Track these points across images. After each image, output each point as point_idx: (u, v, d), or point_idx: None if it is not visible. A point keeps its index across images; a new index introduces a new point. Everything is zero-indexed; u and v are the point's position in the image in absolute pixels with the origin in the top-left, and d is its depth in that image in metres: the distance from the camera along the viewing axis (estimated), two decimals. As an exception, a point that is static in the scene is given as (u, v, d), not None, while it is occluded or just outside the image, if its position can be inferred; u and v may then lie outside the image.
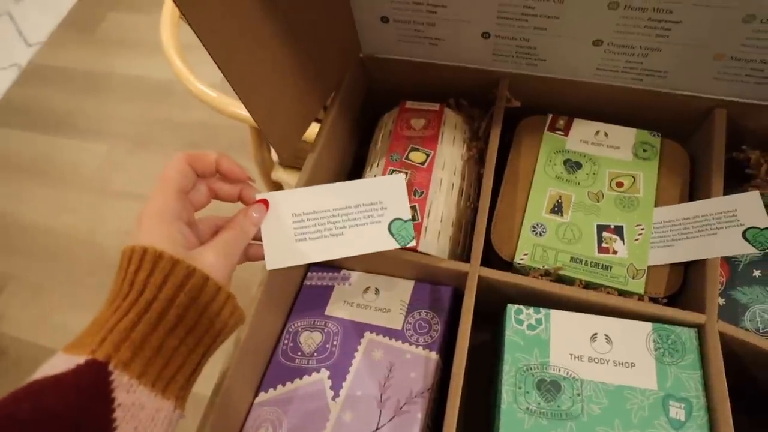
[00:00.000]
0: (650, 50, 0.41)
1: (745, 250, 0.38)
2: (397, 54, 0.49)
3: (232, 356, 0.37)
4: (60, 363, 0.23)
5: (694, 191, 0.44)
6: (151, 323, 0.25)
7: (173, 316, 0.25)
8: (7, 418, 0.20)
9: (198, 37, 0.32)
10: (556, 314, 0.38)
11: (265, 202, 0.35)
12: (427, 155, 0.46)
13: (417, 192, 0.44)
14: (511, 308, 0.38)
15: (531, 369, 0.36)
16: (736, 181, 0.44)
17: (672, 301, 0.41)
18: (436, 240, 0.42)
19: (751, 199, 0.39)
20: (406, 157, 0.46)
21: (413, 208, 0.43)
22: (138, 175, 1.33)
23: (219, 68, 0.34)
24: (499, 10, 0.41)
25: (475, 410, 0.42)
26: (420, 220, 0.42)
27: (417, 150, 0.46)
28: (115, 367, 0.23)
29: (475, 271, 0.39)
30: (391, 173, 0.45)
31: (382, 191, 0.37)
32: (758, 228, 0.38)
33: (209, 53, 0.33)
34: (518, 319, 0.38)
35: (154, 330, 0.25)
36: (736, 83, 0.42)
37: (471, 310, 0.38)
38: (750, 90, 0.42)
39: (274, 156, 0.89)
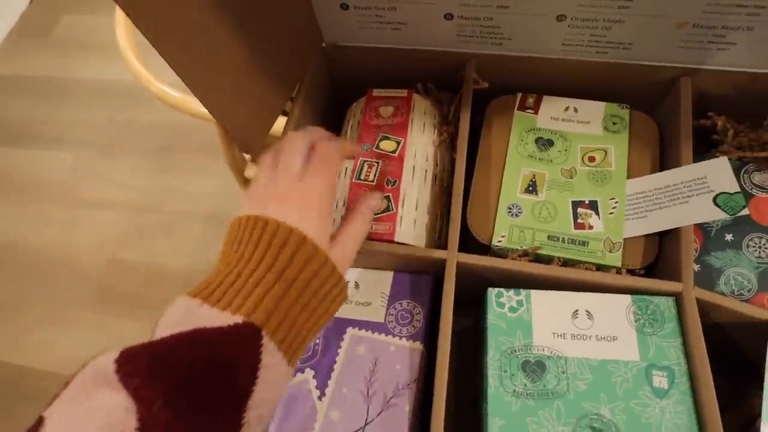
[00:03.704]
0: (613, 22, 0.41)
1: (716, 215, 0.38)
2: (360, 41, 0.48)
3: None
4: (215, 317, 0.26)
5: (664, 161, 0.44)
6: (292, 300, 0.28)
7: (307, 296, 0.28)
8: (189, 360, 0.24)
9: (147, 40, 0.30)
10: (536, 294, 0.38)
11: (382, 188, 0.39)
12: (398, 143, 0.45)
13: (390, 181, 0.43)
14: (492, 292, 0.38)
15: (515, 351, 0.36)
16: (705, 148, 0.45)
17: (649, 271, 0.41)
18: (412, 229, 0.42)
19: (719, 165, 0.40)
20: (377, 147, 0.45)
21: (387, 197, 0.42)
22: (108, 182, 1.29)
23: (172, 69, 0.33)
24: (460, -11, 0.40)
25: (463, 395, 0.42)
26: (395, 210, 0.42)
27: (387, 138, 0.45)
28: (266, 333, 0.26)
29: (453, 257, 0.39)
30: (362, 164, 0.44)
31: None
32: (728, 193, 0.39)
33: (160, 54, 0.31)
34: (499, 302, 0.38)
35: (293, 306, 0.28)
36: (699, 50, 0.42)
37: (451, 297, 0.37)
38: (713, 56, 0.42)
39: (247, 155, 0.87)
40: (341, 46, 0.49)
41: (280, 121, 0.47)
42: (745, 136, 0.43)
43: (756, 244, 0.40)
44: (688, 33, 0.41)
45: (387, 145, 0.45)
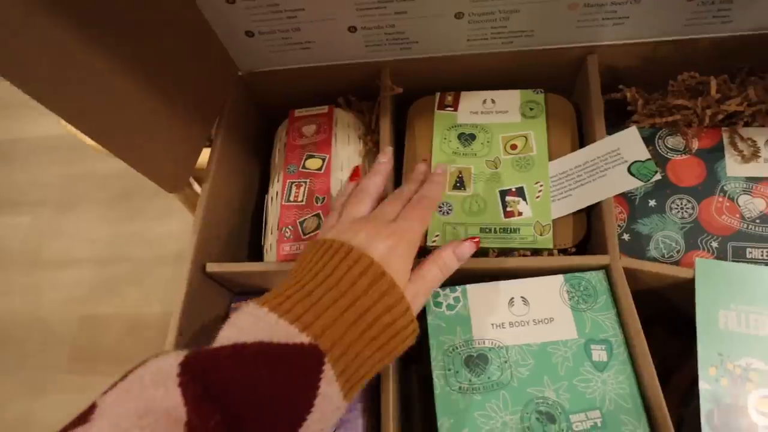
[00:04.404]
0: (509, 12, 0.42)
1: (632, 184, 0.39)
2: (274, 65, 0.48)
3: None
4: (282, 329, 0.25)
5: (583, 138, 0.45)
6: (360, 331, 0.27)
7: (375, 331, 0.27)
8: (250, 379, 0.23)
9: (33, 98, 0.30)
10: (472, 288, 0.38)
11: (477, 239, 0.36)
12: (323, 160, 0.45)
13: (318, 199, 0.43)
14: (429, 293, 0.38)
15: (457, 348, 0.36)
16: (621, 120, 0.46)
17: (582, 249, 0.42)
18: (346, 242, 0.42)
19: (629, 134, 0.41)
20: (303, 167, 0.45)
21: (317, 216, 0.43)
22: (71, 239, 1.27)
23: (70, 123, 0.33)
24: (356, 2, 0.41)
25: (423, 396, 0.42)
26: (327, 226, 0.42)
27: (312, 157, 0.46)
28: (328, 360, 0.25)
29: (386, 264, 0.39)
30: (290, 186, 0.45)
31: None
32: (640, 161, 0.40)
33: (51, 111, 0.31)
34: (436, 302, 0.38)
35: (360, 337, 0.27)
36: (597, 28, 0.43)
37: (389, 304, 0.37)
38: (612, 32, 0.44)
39: (197, 187, 0.87)
40: (257, 72, 0.49)
41: (206, 153, 0.46)
42: (654, 104, 0.44)
43: (678, 205, 0.41)
44: (582, 13, 0.42)
45: (312, 164, 0.45)
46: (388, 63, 0.47)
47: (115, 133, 0.36)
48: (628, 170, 0.39)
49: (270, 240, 0.44)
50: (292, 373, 0.24)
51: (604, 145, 0.41)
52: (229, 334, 0.26)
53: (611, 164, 0.40)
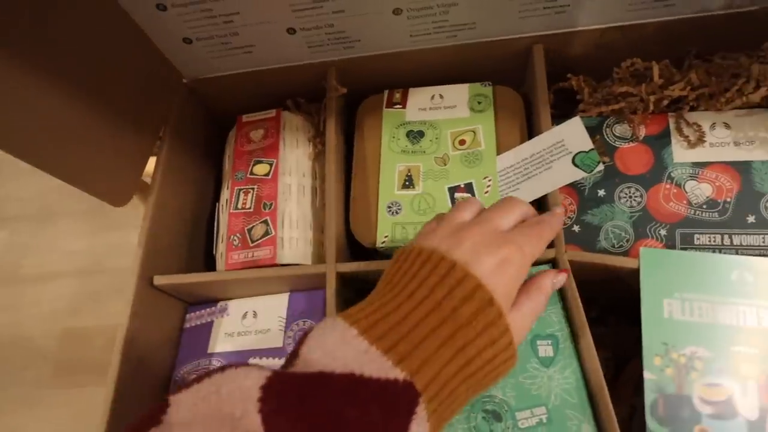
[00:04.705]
0: (448, 6, 0.41)
1: (577, 175, 0.39)
2: (218, 71, 0.47)
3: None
4: (374, 360, 0.22)
5: (532, 130, 0.45)
6: (458, 367, 0.24)
7: (474, 367, 0.24)
8: (337, 417, 0.21)
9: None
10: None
11: (567, 271, 0.34)
12: (271, 165, 0.45)
13: (266, 205, 0.43)
14: (376, 295, 0.38)
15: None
16: (572, 110, 0.45)
17: (532, 241, 0.41)
18: (295, 248, 0.41)
19: (573, 125, 0.40)
20: (251, 173, 0.45)
21: (264, 222, 0.42)
22: (50, 252, 1.25)
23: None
24: (290, 3, 0.40)
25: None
26: (273, 233, 0.41)
27: (260, 162, 0.45)
28: (423, 401, 0.23)
29: (331, 270, 0.38)
30: (238, 193, 0.44)
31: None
32: (584, 152, 0.39)
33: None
34: (384, 304, 0.37)
35: (457, 374, 0.24)
36: (540, 17, 0.43)
37: (334, 311, 0.37)
38: (555, 20, 0.43)
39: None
40: (203, 79, 0.48)
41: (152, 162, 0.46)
42: (601, 92, 0.44)
43: (626, 194, 0.41)
44: (521, 3, 0.41)
45: (260, 169, 0.45)
46: (334, 63, 0.47)
47: (44, 150, 0.35)
48: (573, 161, 0.39)
49: (221, 249, 0.43)
50: (383, 414, 0.22)
51: (549, 136, 0.41)
52: (313, 354, 0.23)
53: (557, 156, 0.40)
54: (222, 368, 0.23)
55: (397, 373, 0.22)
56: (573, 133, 0.39)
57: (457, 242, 0.26)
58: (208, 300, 0.45)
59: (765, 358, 0.32)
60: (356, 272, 0.39)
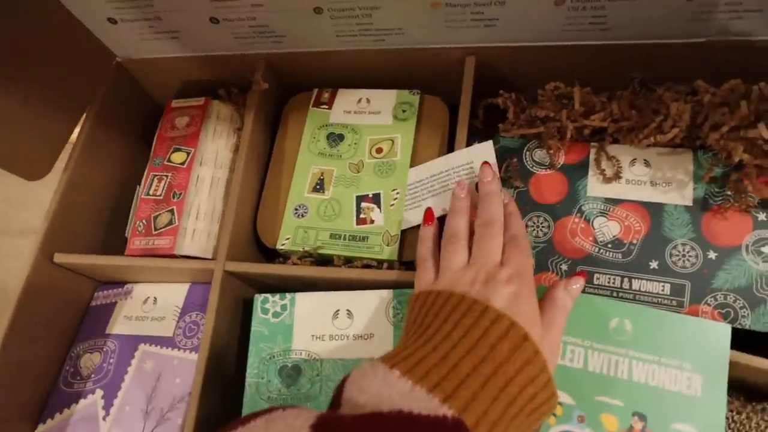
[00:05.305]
0: (370, 9, 0.39)
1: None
2: (148, 53, 0.47)
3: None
4: (420, 398, 0.22)
5: (453, 143, 0.43)
6: (504, 405, 0.24)
7: (518, 405, 0.24)
8: None
9: None
10: (301, 297, 0.38)
11: (584, 273, 0.34)
12: (188, 153, 0.44)
13: (175, 194, 0.43)
14: (258, 298, 0.38)
15: (274, 357, 0.36)
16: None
17: (431, 261, 0.40)
18: (197, 241, 0.41)
19: (484, 149, 0.39)
20: (168, 160, 0.45)
21: (170, 212, 0.42)
22: (39, 209, 1.29)
23: None
24: (209, -7, 0.39)
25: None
26: (177, 223, 0.41)
27: (179, 150, 0.45)
28: None
29: (219, 267, 0.38)
30: (153, 179, 0.44)
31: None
32: (486, 176, 0.38)
33: None
34: (264, 308, 0.37)
35: (504, 415, 0.24)
36: (468, 29, 0.41)
37: (214, 308, 0.37)
38: (485, 34, 0.41)
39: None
40: (137, 60, 0.48)
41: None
42: (529, 113, 0.42)
43: (535, 223, 0.39)
44: (447, 12, 0.39)
45: (177, 157, 0.45)
46: (264, 56, 0.46)
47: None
48: (477, 186, 0.38)
49: (128, 230, 0.44)
50: None
51: (458, 156, 0.39)
52: (359, 397, 0.23)
53: (462, 177, 0.39)
54: (268, 410, 0.23)
55: (445, 410, 0.22)
56: (483, 156, 0.38)
57: (469, 285, 0.28)
58: (118, 281, 0.46)
59: (628, 412, 0.31)
60: (245, 273, 0.39)
